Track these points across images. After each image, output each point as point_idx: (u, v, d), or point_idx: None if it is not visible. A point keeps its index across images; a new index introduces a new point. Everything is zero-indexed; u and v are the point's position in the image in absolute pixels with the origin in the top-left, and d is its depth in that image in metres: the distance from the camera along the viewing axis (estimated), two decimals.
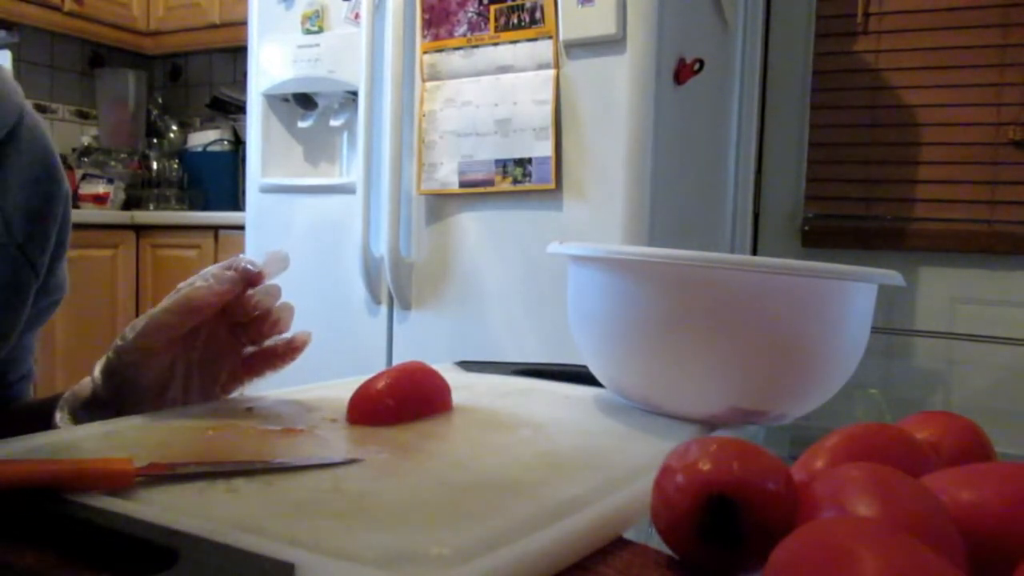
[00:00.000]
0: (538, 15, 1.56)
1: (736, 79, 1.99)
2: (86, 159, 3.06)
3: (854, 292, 0.55)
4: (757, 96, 2.09)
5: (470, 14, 1.63)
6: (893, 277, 0.54)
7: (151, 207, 3.02)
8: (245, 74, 2.00)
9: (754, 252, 2.22)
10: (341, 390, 0.58)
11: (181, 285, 0.55)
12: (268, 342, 0.60)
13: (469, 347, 1.67)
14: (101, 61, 3.32)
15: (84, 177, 2.96)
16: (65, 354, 2.50)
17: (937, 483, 0.33)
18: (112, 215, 2.79)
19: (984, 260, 2.05)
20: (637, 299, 0.56)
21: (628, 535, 0.39)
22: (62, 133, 3.22)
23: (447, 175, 1.67)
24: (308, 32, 1.84)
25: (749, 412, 0.56)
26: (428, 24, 1.68)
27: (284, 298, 0.60)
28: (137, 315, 2.93)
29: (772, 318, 0.53)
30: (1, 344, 0.64)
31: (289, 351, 0.60)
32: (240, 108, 2.95)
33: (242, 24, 2.03)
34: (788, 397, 0.56)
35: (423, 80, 1.70)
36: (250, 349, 0.60)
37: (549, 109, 1.56)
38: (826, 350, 0.55)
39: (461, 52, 1.65)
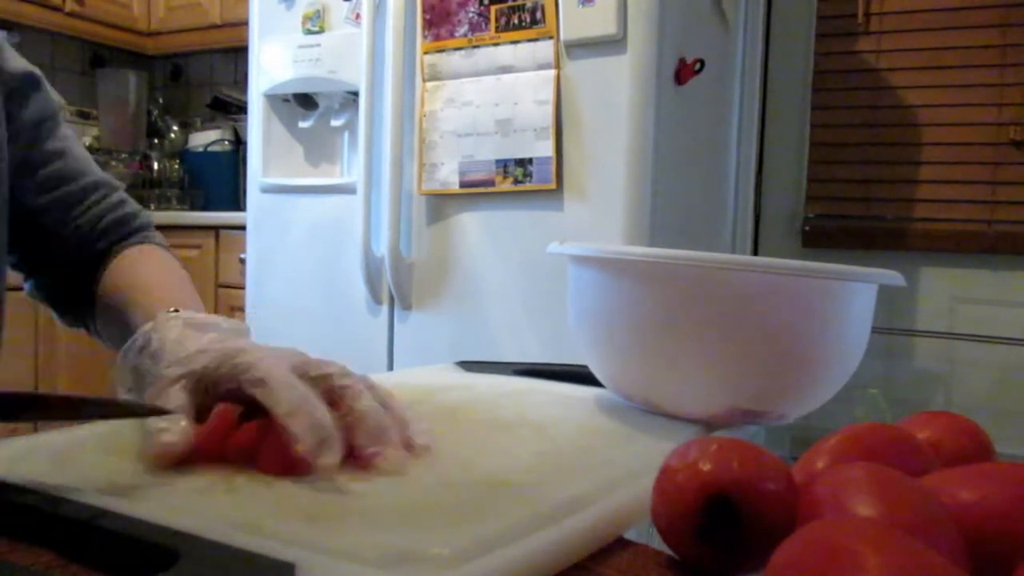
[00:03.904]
0: (539, 15, 1.56)
1: (736, 79, 1.99)
2: None
3: (854, 292, 0.55)
4: (758, 96, 2.09)
5: (471, 14, 1.63)
6: (893, 277, 0.54)
7: (152, 207, 3.02)
8: (246, 74, 2.00)
9: (755, 252, 2.22)
10: None
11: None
12: None
13: (469, 347, 1.67)
14: (102, 61, 3.32)
15: None
16: (67, 353, 2.50)
17: (937, 483, 0.33)
18: None
19: (984, 260, 2.05)
20: (637, 299, 0.56)
21: (628, 535, 0.39)
22: None
23: (448, 175, 1.67)
24: (309, 32, 1.84)
25: (749, 412, 0.56)
26: (429, 24, 1.68)
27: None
28: None
29: (772, 318, 0.53)
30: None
31: None
32: (241, 108, 2.95)
33: (243, 24, 2.03)
34: (788, 397, 0.56)
35: (424, 80, 1.70)
36: None
37: (550, 109, 1.56)
38: (826, 350, 0.55)
39: (462, 52, 1.65)
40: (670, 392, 0.57)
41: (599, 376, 0.63)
